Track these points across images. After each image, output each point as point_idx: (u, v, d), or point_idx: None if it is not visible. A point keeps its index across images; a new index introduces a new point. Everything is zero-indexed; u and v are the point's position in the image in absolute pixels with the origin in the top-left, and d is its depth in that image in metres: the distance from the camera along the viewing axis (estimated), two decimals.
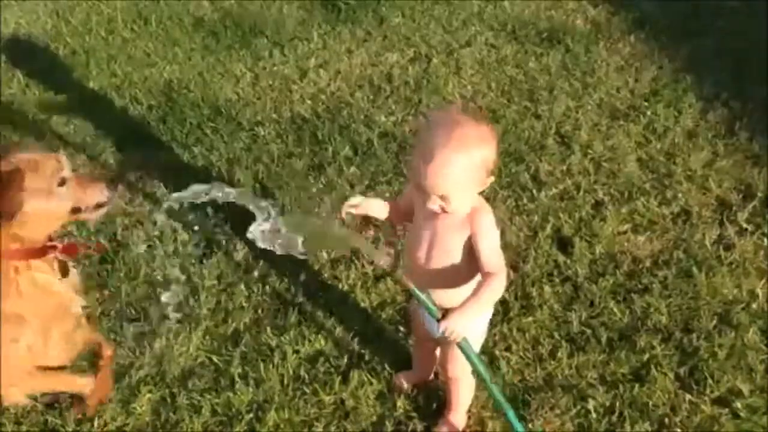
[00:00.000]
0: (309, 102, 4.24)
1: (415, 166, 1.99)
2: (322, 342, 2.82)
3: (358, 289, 3.03)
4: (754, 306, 2.90)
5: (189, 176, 3.71)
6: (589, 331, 2.83)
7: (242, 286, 3.06)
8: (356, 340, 2.83)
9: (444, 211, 2.01)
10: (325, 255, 3.20)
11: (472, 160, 1.95)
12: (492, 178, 2.03)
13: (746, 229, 3.26)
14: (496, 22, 5.01)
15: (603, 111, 4.09)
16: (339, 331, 2.87)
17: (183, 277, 3.08)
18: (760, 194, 3.45)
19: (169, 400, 2.65)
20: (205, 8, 5.24)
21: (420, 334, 2.49)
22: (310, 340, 2.82)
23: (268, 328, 2.88)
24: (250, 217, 2.16)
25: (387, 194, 3.51)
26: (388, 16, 5.08)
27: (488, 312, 2.31)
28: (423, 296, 2.04)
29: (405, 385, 2.65)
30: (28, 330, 2.25)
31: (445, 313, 2.01)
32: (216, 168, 3.74)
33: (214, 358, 2.78)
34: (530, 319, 2.88)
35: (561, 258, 3.15)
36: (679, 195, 3.48)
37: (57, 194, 2.23)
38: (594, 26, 4.97)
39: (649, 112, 4.05)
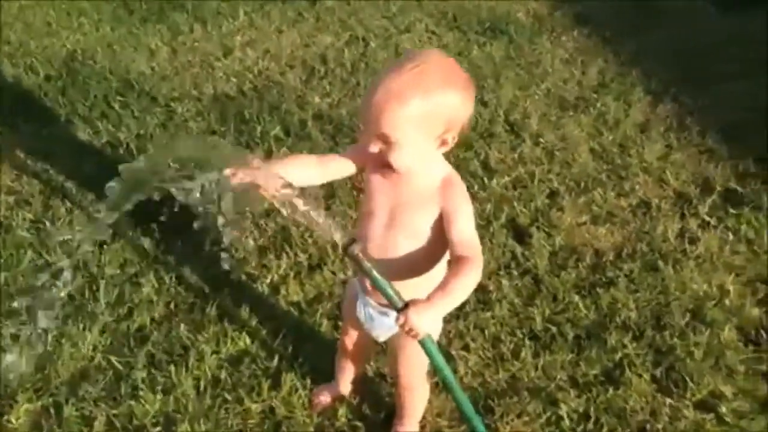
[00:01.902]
0: (234, 80, 3.82)
1: (361, 102, 1.61)
2: (247, 340, 2.38)
3: (290, 280, 2.61)
4: (726, 302, 2.64)
5: (91, 153, 3.22)
6: (554, 329, 2.50)
7: (151, 276, 2.58)
8: (288, 338, 2.40)
9: (386, 160, 1.62)
10: (251, 242, 2.76)
11: (428, 100, 1.54)
12: (454, 139, 1.64)
13: (708, 223, 3.03)
14: (436, 10, 4.73)
15: (551, 101, 3.84)
16: (267, 327, 2.43)
17: (77, 265, 2.58)
18: (719, 188, 3.22)
19: (53, 410, 2.14)
20: None
21: (352, 338, 2.07)
22: (232, 339, 2.38)
23: (182, 325, 2.41)
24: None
25: None
26: None
27: None
28: (383, 280, 1.62)
29: (327, 401, 2.23)
30: None
31: (408, 304, 1.58)
32: (124, 145, 3.24)
33: (114, 360, 2.29)
34: (488, 314, 2.53)
35: (518, 249, 2.82)
36: (637, 187, 3.23)
37: None
38: (536, 20, 4.76)
39: (598, 104, 3.82)
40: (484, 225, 2.93)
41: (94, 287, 2.52)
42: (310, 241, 2.78)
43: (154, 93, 3.61)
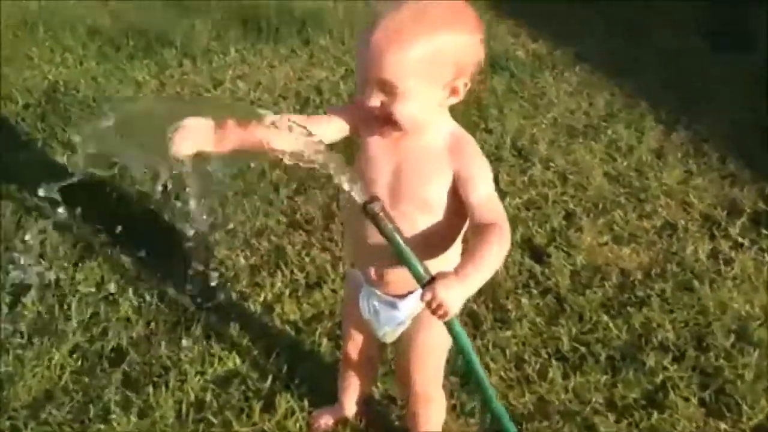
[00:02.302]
0: None
1: (357, 46, 1.39)
2: (237, 360, 2.09)
3: (285, 299, 2.33)
4: None
5: (70, 175, 2.97)
6: (583, 349, 2.22)
7: (130, 294, 2.30)
8: (283, 357, 2.11)
9: (386, 118, 1.39)
10: (242, 260, 2.49)
11: (435, 40, 1.33)
12: (466, 87, 1.41)
13: (741, 244, 2.79)
14: None
15: (559, 129, 3.64)
16: (260, 346, 2.15)
17: (49, 281, 2.30)
18: (747, 210, 3.00)
19: None
20: (104, 18, 4.58)
21: (356, 343, 1.78)
22: (220, 358, 2.08)
23: (163, 343, 2.12)
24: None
25: (320, 199, 2.87)
26: (315, 38, 4.58)
27: None
28: (407, 248, 1.36)
29: (329, 424, 1.93)
30: None
31: (434, 278, 1.33)
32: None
33: (85, 380, 1.98)
34: (508, 333, 2.25)
35: (537, 268, 2.56)
36: (659, 209, 3.00)
37: None
38: (536, 58, 4.61)
39: (609, 132, 3.62)
40: None
41: (65, 306, 2.23)
42: (307, 259, 2.52)
43: None
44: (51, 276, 2.35)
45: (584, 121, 3.75)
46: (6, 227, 2.60)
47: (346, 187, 1.33)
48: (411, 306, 1.58)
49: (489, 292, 2.41)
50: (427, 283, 1.32)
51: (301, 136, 1.28)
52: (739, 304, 2.45)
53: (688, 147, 3.51)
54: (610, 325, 2.32)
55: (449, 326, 1.40)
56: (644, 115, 3.83)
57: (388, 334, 1.64)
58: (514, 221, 2.80)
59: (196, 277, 2.37)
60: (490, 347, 2.19)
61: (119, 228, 2.52)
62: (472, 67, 1.39)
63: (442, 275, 1.31)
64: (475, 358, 1.45)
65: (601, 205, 2.98)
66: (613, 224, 2.87)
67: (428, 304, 1.30)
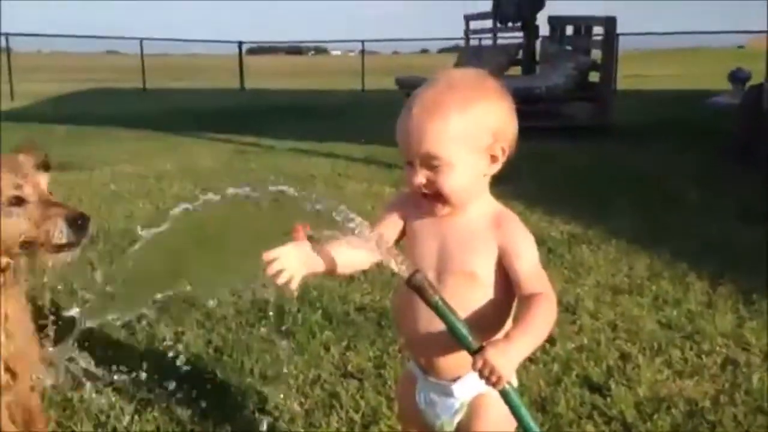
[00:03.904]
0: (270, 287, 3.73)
1: (398, 130, 1.52)
2: None
3: None
4: None
5: (126, 348, 3.04)
6: None
7: None
8: None
9: (430, 199, 1.50)
10: (296, 407, 2.46)
11: (469, 109, 1.47)
12: (504, 153, 1.53)
13: None
14: None
15: (603, 289, 3.67)
16: None
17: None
18: None
19: None
20: None
21: None
22: None
23: None
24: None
25: (371, 353, 2.88)
26: None
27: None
28: (454, 316, 1.42)
29: None
30: None
31: (483, 346, 1.40)
32: (162, 340, 3.07)
33: None
34: None
35: (599, 400, 2.48)
36: (717, 348, 2.93)
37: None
38: (571, 236, 4.76)
39: (654, 288, 3.65)
40: (554, 383, 2.61)
41: None
42: (362, 402, 2.47)
43: (190, 300, 3.51)
44: (108, 426, 2.33)
45: (627, 281, 3.79)
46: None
47: (392, 265, 1.41)
48: (465, 388, 1.57)
49: (551, 423, 2.33)
50: (477, 351, 1.37)
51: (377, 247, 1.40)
52: None
53: (737, 297, 3.50)
54: None
55: (505, 396, 1.40)
56: (686, 273, 3.87)
57: (446, 423, 1.61)
58: (567, 362, 2.76)
59: (250, 422, 2.35)
60: None
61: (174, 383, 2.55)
62: (508, 133, 1.51)
63: (491, 342, 1.39)
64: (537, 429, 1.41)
65: (656, 346, 2.93)
66: (672, 362, 2.80)
67: (480, 373, 1.36)
